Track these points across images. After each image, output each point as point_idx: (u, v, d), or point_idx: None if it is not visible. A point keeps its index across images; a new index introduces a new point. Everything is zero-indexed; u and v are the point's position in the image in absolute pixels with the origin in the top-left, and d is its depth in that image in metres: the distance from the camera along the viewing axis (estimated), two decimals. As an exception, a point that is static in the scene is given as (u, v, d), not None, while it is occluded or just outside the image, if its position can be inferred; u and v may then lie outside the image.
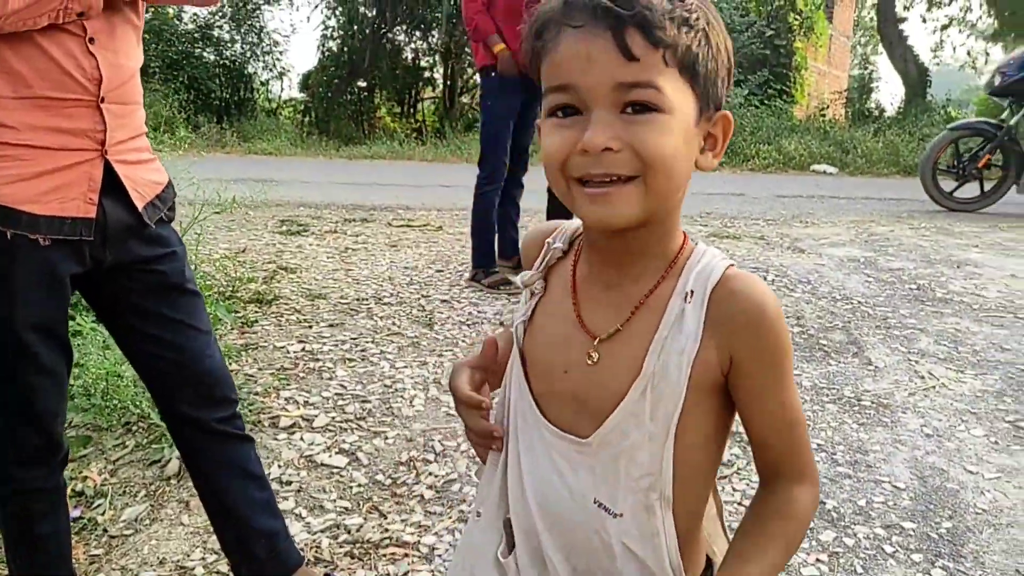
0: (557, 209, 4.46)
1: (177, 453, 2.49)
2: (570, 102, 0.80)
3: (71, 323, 2.99)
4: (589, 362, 0.88)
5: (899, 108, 16.66)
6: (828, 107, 17.20)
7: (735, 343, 0.84)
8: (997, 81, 7.26)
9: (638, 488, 0.87)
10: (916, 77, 16.60)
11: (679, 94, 0.79)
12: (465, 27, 4.33)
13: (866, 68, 21.85)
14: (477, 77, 17.43)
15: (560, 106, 0.81)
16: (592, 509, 0.89)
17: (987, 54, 23.29)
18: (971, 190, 7.58)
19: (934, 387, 3.20)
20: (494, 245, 4.39)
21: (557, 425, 0.91)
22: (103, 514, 2.24)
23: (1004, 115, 7.40)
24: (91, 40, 1.41)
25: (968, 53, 22.99)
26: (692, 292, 0.86)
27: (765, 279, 4.73)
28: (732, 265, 0.88)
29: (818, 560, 2.11)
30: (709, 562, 0.97)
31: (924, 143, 12.38)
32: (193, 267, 4.01)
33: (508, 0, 4.14)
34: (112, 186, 1.48)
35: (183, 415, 1.73)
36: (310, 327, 3.67)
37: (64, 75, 1.38)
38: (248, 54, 15.45)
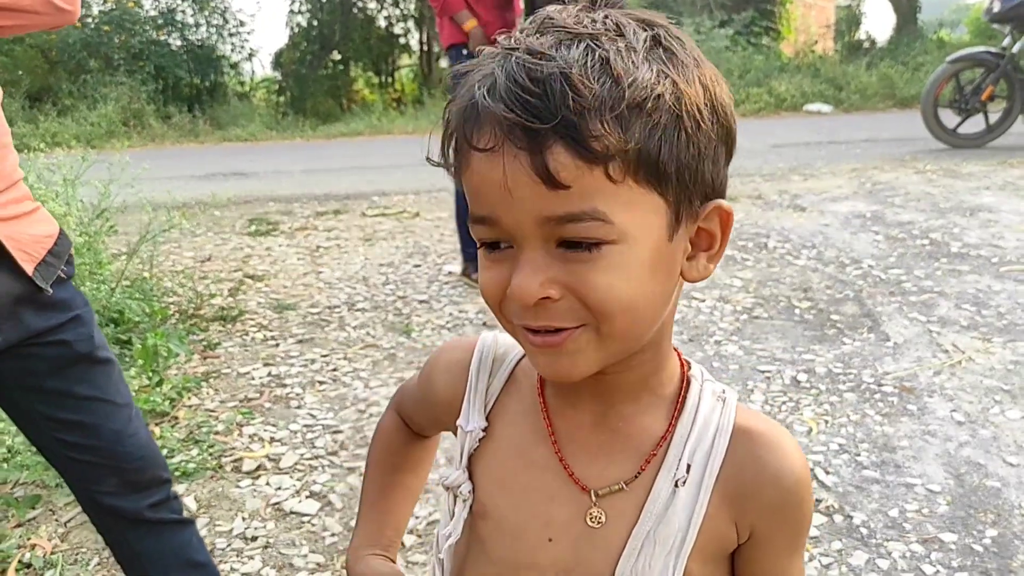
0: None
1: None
2: (496, 237, 0.62)
3: None
4: (592, 524, 0.69)
5: (890, 37, 16.25)
6: (817, 42, 16.79)
7: (758, 519, 0.70)
8: (995, 7, 6.96)
9: None
10: (906, 2, 16.15)
11: (637, 211, 0.59)
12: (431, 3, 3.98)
13: (853, -3, 21.30)
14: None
15: (485, 241, 0.63)
16: None
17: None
18: (975, 124, 7.30)
19: (960, 362, 2.94)
20: None
21: None
22: None
23: (1005, 43, 7.09)
24: None
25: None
26: (689, 468, 0.68)
27: (766, 245, 4.45)
28: (738, 403, 0.72)
29: (853, 595, 1.87)
30: None
31: (919, 73, 12.12)
32: (154, 282, 3.77)
33: None
34: None
35: (109, 507, 1.49)
36: (277, 345, 3.39)
37: None
38: (215, 37, 14.96)
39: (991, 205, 5.16)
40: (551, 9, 0.60)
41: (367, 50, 16.57)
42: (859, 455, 2.40)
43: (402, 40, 17.47)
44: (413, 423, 0.88)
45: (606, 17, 0.59)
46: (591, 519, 0.69)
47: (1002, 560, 1.95)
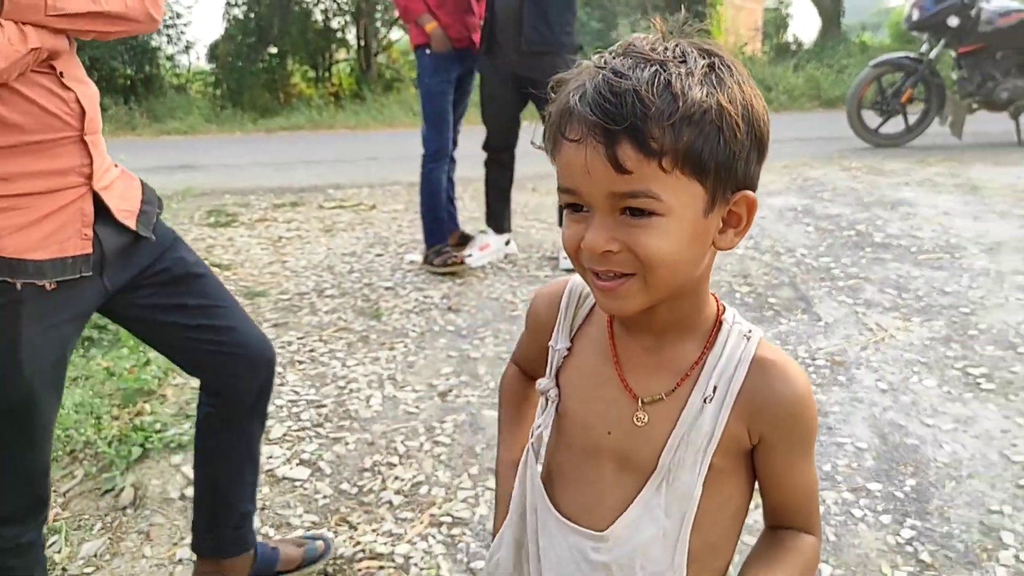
0: (495, 182, 4.39)
1: (131, 480, 2.41)
2: (576, 202, 0.81)
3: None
4: (638, 424, 0.89)
5: (815, 40, 16.81)
6: (746, 43, 17.29)
7: (767, 429, 0.88)
8: (915, 15, 7.31)
9: None
10: (830, 6, 16.73)
11: (681, 194, 0.77)
12: (395, 8, 4.20)
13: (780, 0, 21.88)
14: (392, 35, 17.18)
15: (569, 204, 0.82)
16: None
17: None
18: (896, 125, 7.67)
19: (883, 339, 3.25)
20: (444, 223, 4.30)
21: (574, 508, 0.94)
22: (60, 552, 2.13)
23: (923, 49, 7.47)
24: (61, 74, 1.38)
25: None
26: (715, 389, 0.87)
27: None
28: (761, 339, 0.90)
29: (792, 533, 2.12)
30: None
31: (843, 75, 12.59)
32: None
33: None
34: (101, 214, 1.46)
35: (238, 391, 1.75)
36: (253, 329, 3.54)
37: (48, 115, 1.36)
38: (151, 28, 14.68)
39: (910, 200, 5.49)
40: (635, 37, 0.80)
41: (304, 44, 16.38)
42: (797, 419, 2.67)
43: (339, 35, 17.35)
44: (527, 365, 1.10)
45: (676, 46, 0.78)
46: (637, 419, 0.89)
47: (920, 504, 2.21)
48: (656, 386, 0.89)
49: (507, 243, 4.48)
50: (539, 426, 0.97)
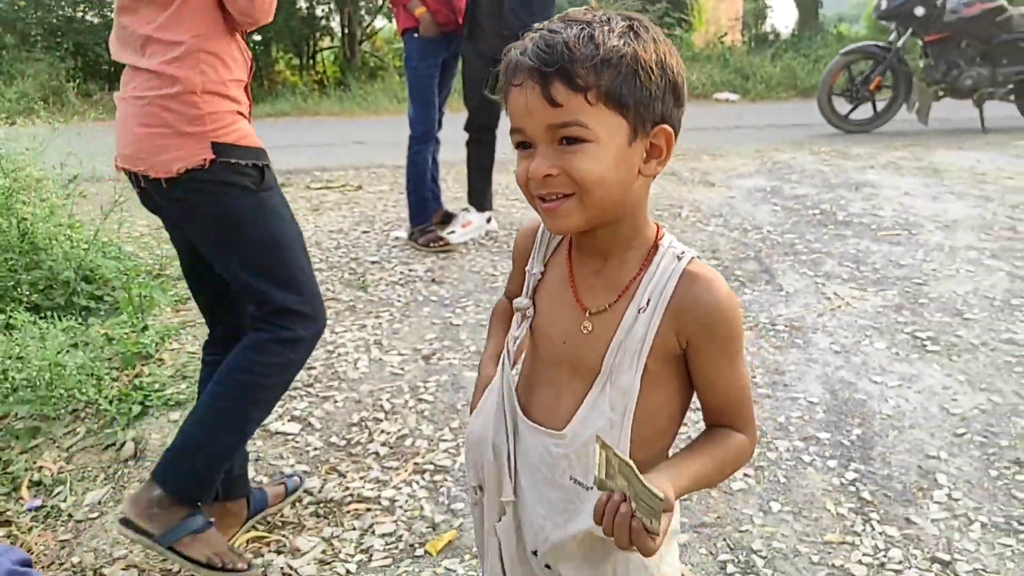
0: (477, 162, 4.57)
1: (131, 435, 2.56)
2: (523, 140, 0.97)
3: (3, 316, 2.98)
4: (584, 331, 1.05)
5: (793, 31, 16.98)
6: (726, 33, 17.45)
7: (692, 334, 1.02)
8: (883, 5, 7.50)
9: None
10: (807, -1, 16.90)
11: (607, 124, 0.93)
12: None
13: (760, -9, 22.02)
14: (376, 23, 17.23)
15: (518, 143, 0.98)
16: (569, 485, 1.07)
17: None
18: (865, 111, 7.86)
19: (840, 307, 3.46)
20: (429, 203, 4.48)
21: (542, 409, 1.11)
22: (65, 500, 2.27)
23: (891, 37, 7.67)
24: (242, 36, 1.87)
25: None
26: (649, 302, 1.01)
27: (680, 215, 4.94)
28: (693, 258, 1.03)
29: (745, 475, 2.31)
30: None
31: (819, 64, 12.74)
32: (117, 247, 4.01)
33: None
34: None
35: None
36: (245, 299, 3.69)
37: (244, 63, 1.86)
38: (135, 14, 14.62)
39: (874, 182, 5.70)
40: (571, 9, 0.99)
41: (288, 31, 16.39)
42: (755, 378, 2.85)
43: (323, 22, 17.36)
44: (514, 296, 1.23)
45: (603, 13, 0.97)
46: (584, 328, 1.05)
47: (864, 451, 2.41)
48: (602, 300, 1.05)
49: (488, 221, 4.66)
50: (516, 337, 1.14)
